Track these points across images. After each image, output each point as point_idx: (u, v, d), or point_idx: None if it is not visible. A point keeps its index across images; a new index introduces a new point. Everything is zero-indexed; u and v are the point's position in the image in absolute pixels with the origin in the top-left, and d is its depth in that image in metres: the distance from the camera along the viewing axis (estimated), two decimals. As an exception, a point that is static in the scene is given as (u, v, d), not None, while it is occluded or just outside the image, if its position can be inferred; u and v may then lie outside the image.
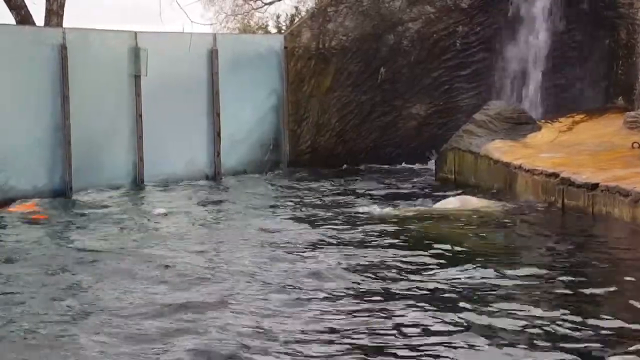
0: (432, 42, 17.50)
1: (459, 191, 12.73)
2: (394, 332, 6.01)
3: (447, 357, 5.49)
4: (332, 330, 6.07)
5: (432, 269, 7.90)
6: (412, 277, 7.60)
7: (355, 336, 5.94)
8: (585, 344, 5.60)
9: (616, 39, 15.85)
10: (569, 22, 16.64)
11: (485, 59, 17.42)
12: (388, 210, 11.38)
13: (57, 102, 13.47)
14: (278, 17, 29.25)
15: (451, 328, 6.04)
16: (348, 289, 7.22)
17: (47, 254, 9.02)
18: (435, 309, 6.49)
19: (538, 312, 6.35)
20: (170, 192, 14.02)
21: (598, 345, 5.58)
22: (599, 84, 16.32)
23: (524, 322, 6.08)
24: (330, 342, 5.83)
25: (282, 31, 23.75)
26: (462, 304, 6.58)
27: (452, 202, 11.60)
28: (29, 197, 12.75)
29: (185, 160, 15.41)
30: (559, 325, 5.98)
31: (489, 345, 5.65)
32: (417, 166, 16.96)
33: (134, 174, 14.62)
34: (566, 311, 6.30)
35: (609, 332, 5.84)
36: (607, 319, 6.09)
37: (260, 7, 29.81)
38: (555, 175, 11.01)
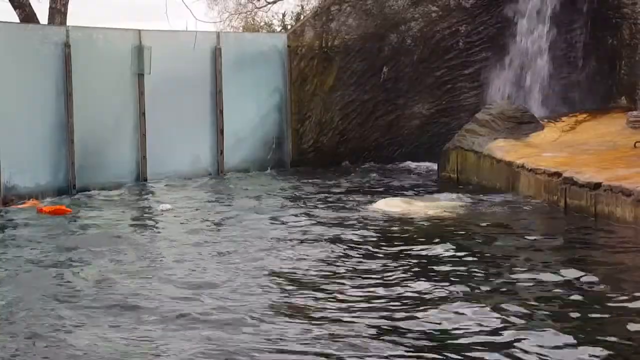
0: (435, 41, 17.51)
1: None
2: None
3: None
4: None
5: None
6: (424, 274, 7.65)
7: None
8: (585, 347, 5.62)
9: (619, 39, 15.84)
10: (572, 22, 16.63)
11: (488, 58, 17.42)
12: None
13: (60, 100, 13.49)
14: (284, 15, 29.22)
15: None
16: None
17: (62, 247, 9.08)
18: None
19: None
20: (174, 189, 14.03)
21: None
22: (601, 83, 16.30)
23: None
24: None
25: (287, 29, 23.73)
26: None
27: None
28: (32, 195, 12.78)
29: (188, 157, 15.45)
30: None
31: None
32: (419, 165, 16.92)
33: (137, 172, 14.65)
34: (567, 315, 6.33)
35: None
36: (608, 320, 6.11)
37: (264, 6, 29.80)
38: (557, 174, 11.03)
